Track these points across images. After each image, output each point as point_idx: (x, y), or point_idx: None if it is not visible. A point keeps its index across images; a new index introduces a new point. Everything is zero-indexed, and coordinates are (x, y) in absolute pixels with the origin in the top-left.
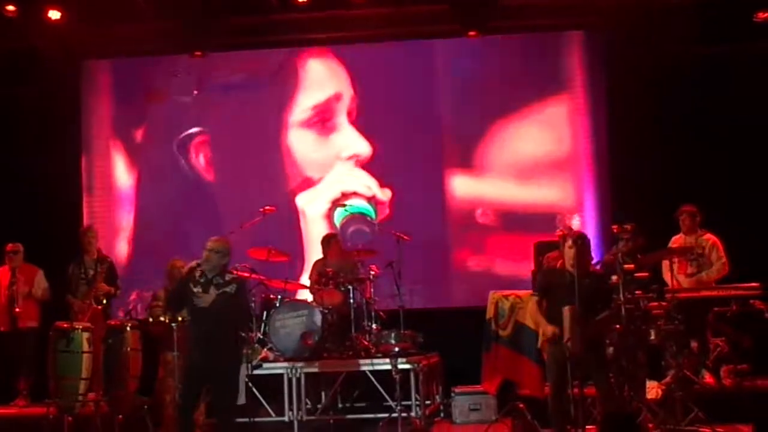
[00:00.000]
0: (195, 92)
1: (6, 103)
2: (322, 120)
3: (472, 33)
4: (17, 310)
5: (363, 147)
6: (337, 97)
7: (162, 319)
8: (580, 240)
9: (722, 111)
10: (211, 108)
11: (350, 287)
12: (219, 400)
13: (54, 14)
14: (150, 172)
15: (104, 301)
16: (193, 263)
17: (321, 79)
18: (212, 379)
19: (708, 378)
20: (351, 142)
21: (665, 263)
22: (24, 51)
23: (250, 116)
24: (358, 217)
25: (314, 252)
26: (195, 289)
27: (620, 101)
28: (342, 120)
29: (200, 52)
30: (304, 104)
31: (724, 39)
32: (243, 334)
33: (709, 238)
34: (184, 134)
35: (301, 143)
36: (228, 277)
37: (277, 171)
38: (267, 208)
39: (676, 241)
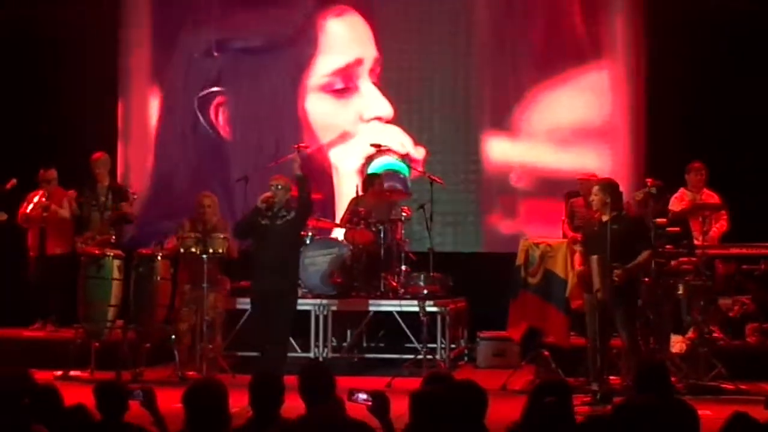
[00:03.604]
0: (215, 54)
1: (45, 38)
2: (343, 84)
3: None
4: (46, 204)
5: (385, 108)
6: (358, 62)
7: (193, 250)
8: (605, 187)
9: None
10: (231, 68)
11: (381, 227)
12: (275, 328)
13: None
14: (172, 126)
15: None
16: (264, 197)
17: (342, 41)
18: (277, 303)
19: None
20: (373, 104)
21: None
22: None
23: (269, 78)
24: (391, 173)
25: (344, 205)
26: (263, 222)
27: (661, 68)
28: (364, 82)
29: None
30: (324, 68)
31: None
32: None
33: (713, 195)
34: (204, 93)
35: (320, 107)
36: (291, 210)
37: (295, 135)
38: (301, 144)
39: (680, 196)
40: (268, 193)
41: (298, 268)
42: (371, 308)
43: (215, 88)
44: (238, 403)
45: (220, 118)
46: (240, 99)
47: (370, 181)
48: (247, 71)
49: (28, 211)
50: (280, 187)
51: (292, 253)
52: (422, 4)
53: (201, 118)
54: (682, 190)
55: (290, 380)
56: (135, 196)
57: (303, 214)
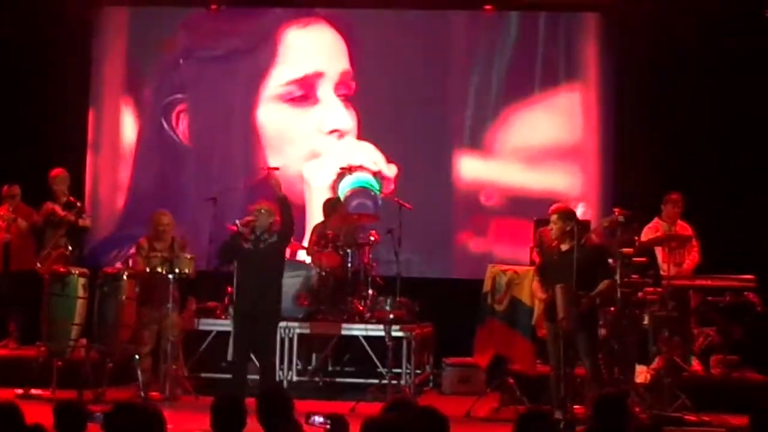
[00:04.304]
0: (180, 61)
1: (18, 45)
2: (301, 93)
3: (488, 7)
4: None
5: (346, 121)
6: (317, 75)
7: (159, 270)
8: (560, 216)
9: (733, 106)
10: (194, 76)
11: (349, 251)
12: (263, 345)
13: None
14: (145, 132)
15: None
16: (245, 221)
17: (302, 52)
18: (259, 325)
19: (696, 365)
20: (332, 115)
21: (659, 250)
22: None
23: (227, 87)
24: (362, 190)
25: (316, 220)
26: (246, 246)
27: (632, 92)
28: (325, 93)
29: (215, 5)
30: (280, 78)
31: (737, 33)
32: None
33: (686, 226)
34: (168, 99)
35: (276, 117)
36: (274, 234)
37: (249, 144)
38: (271, 167)
39: (654, 227)
40: (249, 217)
41: (281, 291)
42: (337, 332)
43: (178, 95)
44: (201, 425)
45: (181, 125)
46: (200, 107)
47: (331, 205)
48: (209, 79)
49: None
50: (263, 211)
51: (275, 276)
52: (399, 21)
53: (165, 125)
54: (656, 219)
55: (251, 403)
56: (79, 205)
57: (286, 236)
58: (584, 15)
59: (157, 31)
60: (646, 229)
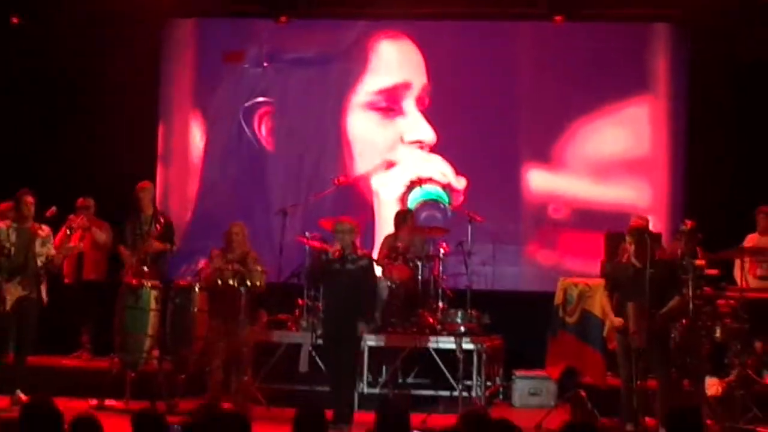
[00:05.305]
0: (265, 65)
1: (87, 63)
2: (387, 104)
3: (558, 18)
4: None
5: (428, 134)
6: (405, 85)
7: (231, 282)
8: (638, 234)
9: None
10: (280, 80)
11: (419, 263)
12: (340, 364)
13: None
14: (217, 140)
15: (145, 268)
16: (335, 247)
17: (392, 63)
18: (342, 343)
19: None
20: (415, 127)
21: (738, 262)
22: (106, 9)
23: (316, 91)
24: (432, 203)
25: (385, 233)
26: (334, 266)
27: (701, 103)
28: (409, 105)
29: (285, 17)
30: (370, 86)
31: None
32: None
33: None
34: (250, 102)
35: (363, 124)
36: (359, 252)
37: (336, 149)
38: (340, 178)
39: (751, 239)
40: (338, 246)
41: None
42: (408, 344)
43: (261, 98)
44: None
45: (263, 128)
46: (285, 110)
47: (402, 217)
48: (295, 84)
49: (69, 233)
50: (345, 230)
51: (359, 296)
52: (468, 32)
53: (245, 128)
54: (756, 233)
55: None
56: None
57: (373, 279)
58: (655, 26)
59: (225, 42)
60: (747, 238)
